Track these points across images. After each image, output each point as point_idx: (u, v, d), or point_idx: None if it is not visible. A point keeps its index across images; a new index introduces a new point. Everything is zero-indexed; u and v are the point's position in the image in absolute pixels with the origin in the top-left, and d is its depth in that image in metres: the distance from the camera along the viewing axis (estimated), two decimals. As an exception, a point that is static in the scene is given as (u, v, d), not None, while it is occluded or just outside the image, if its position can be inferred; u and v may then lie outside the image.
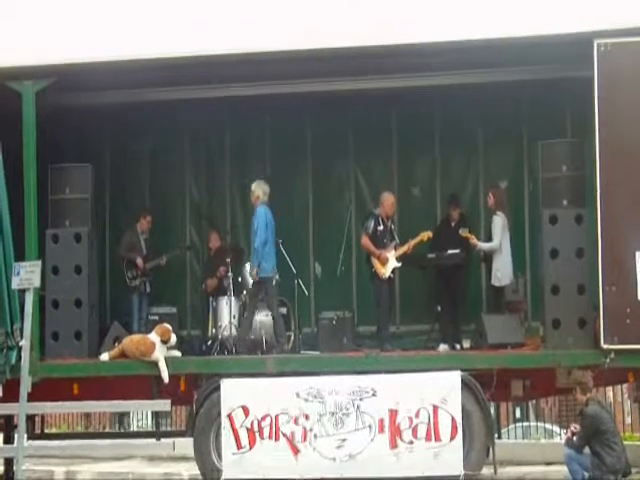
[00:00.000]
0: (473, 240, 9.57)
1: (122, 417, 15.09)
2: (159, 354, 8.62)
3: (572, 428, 7.96)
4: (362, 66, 8.94)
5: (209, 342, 9.78)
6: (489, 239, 9.63)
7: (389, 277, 9.55)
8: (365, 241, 9.73)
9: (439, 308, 9.83)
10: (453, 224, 10.04)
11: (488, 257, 9.64)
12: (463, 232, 9.60)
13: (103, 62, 8.87)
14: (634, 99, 8.29)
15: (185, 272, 11.05)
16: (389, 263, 9.55)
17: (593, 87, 8.33)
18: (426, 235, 9.59)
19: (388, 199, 9.75)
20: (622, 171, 8.27)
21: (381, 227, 9.65)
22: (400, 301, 9.96)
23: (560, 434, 12.11)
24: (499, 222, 9.55)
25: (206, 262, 10.70)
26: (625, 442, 8.47)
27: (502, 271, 9.45)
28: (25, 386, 7.94)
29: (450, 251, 9.69)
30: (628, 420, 12.68)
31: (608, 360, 8.12)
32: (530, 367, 8.53)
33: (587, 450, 7.69)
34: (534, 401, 13.36)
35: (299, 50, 8.71)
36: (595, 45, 8.32)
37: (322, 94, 9.41)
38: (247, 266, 9.82)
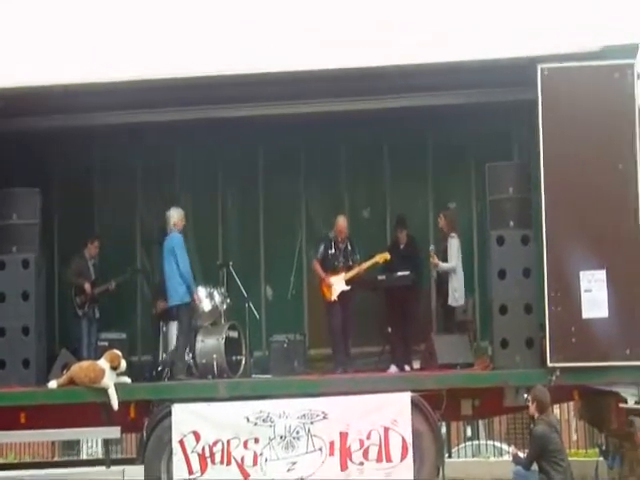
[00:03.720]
0: (435, 261, 9.71)
1: (72, 445, 14.90)
2: (109, 381, 8.59)
3: (513, 450, 8.11)
4: (310, 90, 9.06)
5: (160, 368, 9.76)
6: (443, 260, 9.74)
7: (340, 300, 9.61)
8: (315, 265, 9.90)
9: (389, 329, 9.90)
10: (402, 246, 10.12)
11: (443, 278, 9.76)
12: (430, 251, 9.74)
13: (52, 86, 8.89)
14: (576, 122, 8.48)
15: (135, 296, 10.99)
16: (335, 286, 9.64)
17: (537, 110, 8.51)
18: (382, 257, 9.67)
19: (338, 222, 9.85)
20: (565, 192, 8.44)
21: (332, 250, 9.76)
22: (353, 323, 9.90)
23: (509, 452, 12.28)
24: (455, 244, 9.72)
25: (158, 284, 10.65)
26: (571, 458, 8.64)
27: (459, 291, 9.61)
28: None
29: (400, 273, 9.78)
30: (574, 437, 12.90)
31: (554, 378, 8.24)
32: (479, 386, 8.65)
33: (535, 467, 7.82)
34: (485, 419, 13.51)
35: (247, 74, 8.85)
36: (539, 69, 8.51)
37: (272, 117, 9.52)
38: (199, 290, 9.79)
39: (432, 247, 9.80)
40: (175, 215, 9.57)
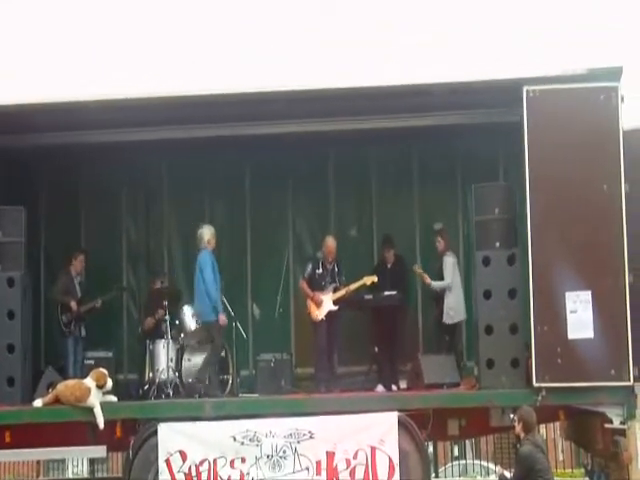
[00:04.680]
0: (426, 279, 9.75)
1: (57, 464, 14.78)
2: (94, 399, 8.55)
3: (499, 470, 8.12)
4: (298, 109, 9.10)
5: (146, 386, 9.73)
6: (439, 278, 9.75)
7: (327, 320, 9.65)
8: (301, 284, 10.00)
9: (376, 349, 9.91)
10: (389, 265, 10.17)
11: (439, 295, 9.79)
12: (417, 268, 9.80)
13: (37, 104, 8.90)
14: (561, 143, 8.54)
15: (121, 314, 10.99)
16: (323, 305, 9.69)
17: (523, 131, 8.57)
18: (370, 279, 9.70)
19: (328, 243, 9.91)
20: (551, 213, 8.49)
21: (320, 270, 9.84)
22: (338, 343, 9.96)
23: (496, 472, 12.28)
24: (450, 261, 9.78)
25: (145, 302, 10.68)
26: (557, 478, 8.67)
27: (455, 309, 9.64)
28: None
29: (387, 292, 9.83)
30: (560, 457, 12.92)
31: (540, 398, 8.27)
32: (465, 406, 8.68)
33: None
34: (472, 439, 13.52)
35: (233, 94, 8.90)
36: (524, 91, 8.56)
37: (259, 136, 9.57)
38: (185, 309, 9.84)
39: (417, 265, 9.84)
40: (207, 233, 9.62)
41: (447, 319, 9.63)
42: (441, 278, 9.75)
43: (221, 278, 9.62)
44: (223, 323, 9.42)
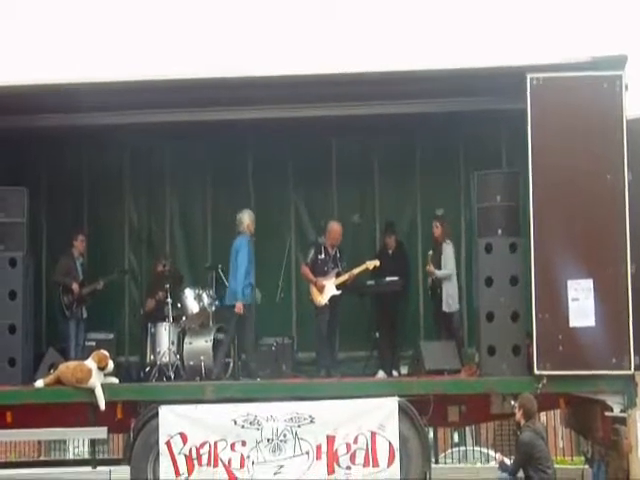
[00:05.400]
0: (430, 268, 9.75)
1: (58, 445, 14.82)
2: (96, 381, 8.55)
3: (499, 457, 8.15)
4: (299, 94, 9.05)
5: (147, 369, 9.75)
6: (438, 266, 9.74)
7: (329, 305, 9.65)
8: (303, 270, 9.97)
9: (377, 335, 9.90)
10: (390, 252, 10.16)
11: (437, 284, 9.77)
12: (428, 256, 9.78)
13: (37, 85, 8.84)
14: (565, 131, 8.50)
15: (123, 297, 10.97)
16: (326, 290, 9.68)
17: (526, 119, 8.53)
18: (372, 264, 9.67)
19: (333, 228, 9.87)
20: (554, 201, 8.44)
21: (322, 256, 9.82)
22: (340, 328, 10.02)
23: (495, 458, 12.32)
24: (451, 250, 9.78)
25: (147, 285, 10.70)
26: (557, 465, 8.66)
27: (453, 297, 9.64)
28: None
29: (388, 278, 9.80)
30: (560, 444, 12.94)
31: (541, 386, 8.25)
32: (465, 393, 8.67)
33: (521, 474, 7.85)
34: (472, 426, 13.53)
35: (237, 78, 8.85)
36: (528, 79, 8.50)
37: (262, 121, 9.53)
38: (187, 292, 9.85)
39: (430, 253, 9.83)
40: (246, 218, 9.71)
41: (446, 307, 9.62)
42: (439, 266, 9.73)
43: (255, 265, 9.71)
44: (238, 311, 9.42)
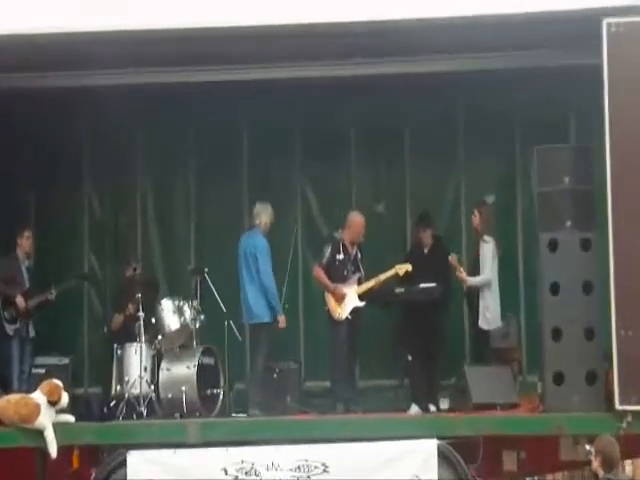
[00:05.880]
0: (462, 275, 9.67)
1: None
2: (45, 419, 8.44)
3: None
4: (309, 48, 8.94)
5: (112, 403, 9.65)
6: (474, 270, 9.68)
7: (350, 319, 9.62)
8: (317, 272, 9.89)
9: (409, 357, 9.83)
10: (426, 250, 10.12)
11: (473, 293, 9.70)
12: (453, 258, 9.69)
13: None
14: (651, 92, 8.51)
15: (81, 310, 11.02)
16: (347, 301, 9.63)
17: (601, 78, 8.41)
18: (403, 268, 9.70)
19: (355, 221, 9.85)
20: (639, 183, 8.37)
21: (341, 256, 9.79)
22: (361, 349, 9.94)
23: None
24: (489, 249, 9.65)
25: (113, 294, 10.76)
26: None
27: (492, 311, 9.54)
28: None
29: (423, 284, 9.71)
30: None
31: (624, 425, 8.14)
32: (526, 434, 8.58)
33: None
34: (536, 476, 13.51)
35: (228, 27, 8.65)
36: (604, 25, 8.40)
37: (260, 83, 9.46)
38: (164, 303, 9.82)
39: (454, 255, 9.79)
40: (264, 213, 9.92)
41: (483, 323, 9.59)
42: (475, 268, 9.67)
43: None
44: (283, 325, 9.71)
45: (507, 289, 9.83)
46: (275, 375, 9.82)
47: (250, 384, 9.70)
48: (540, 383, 8.87)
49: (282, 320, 9.67)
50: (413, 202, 10.89)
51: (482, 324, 9.56)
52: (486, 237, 9.68)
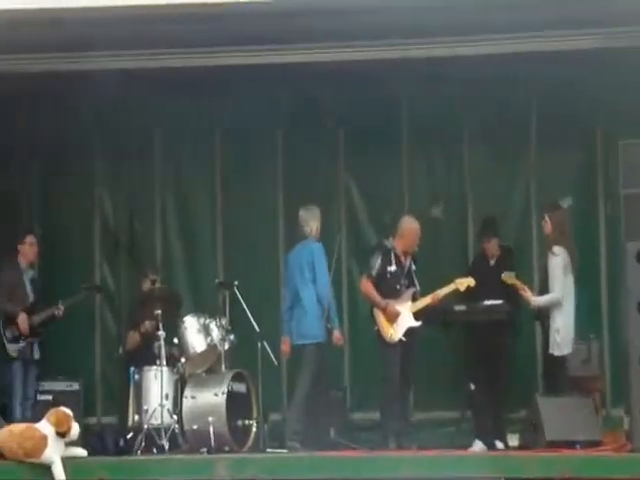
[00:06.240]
0: (525, 293, 9.66)
1: None
2: (53, 453, 8.44)
3: None
4: (344, 27, 9.07)
5: (129, 435, 9.71)
6: (545, 287, 9.65)
7: (404, 341, 9.64)
8: (366, 286, 9.89)
9: (472, 386, 9.91)
10: (492, 262, 10.18)
11: (543, 313, 9.69)
12: (507, 277, 9.68)
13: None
14: None
15: (93, 328, 11.12)
16: (400, 320, 9.66)
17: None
18: (465, 283, 9.76)
19: (409, 227, 9.90)
20: None
21: (393, 267, 9.83)
22: (415, 375, 9.92)
23: None
24: (559, 262, 9.59)
25: (129, 310, 10.79)
26: None
27: (563, 334, 9.52)
28: None
29: (488, 302, 9.80)
30: None
31: None
32: (611, 477, 8.37)
33: None
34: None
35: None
36: None
37: (299, 66, 9.61)
38: (187, 321, 9.87)
39: (507, 273, 9.75)
40: (312, 219, 10.11)
41: (554, 349, 9.55)
42: (545, 284, 9.63)
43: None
44: (339, 342, 9.95)
45: (587, 308, 9.82)
46: (316, 405, 9.80)
47: (289, 414, 9.81)
48: (627, 417, 8.87)
49: (338, 336, 9.85)
50: (475, 206, 10.93)
51: (553, 349, 9.51)
52: (555, 249, 9.58)
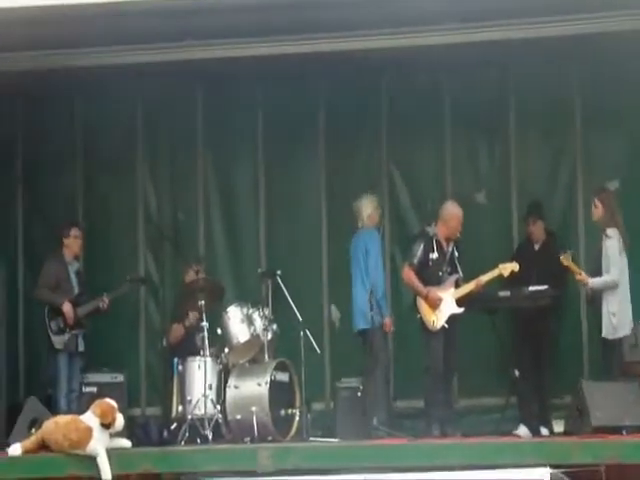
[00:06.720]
0: (581, 276, 9.57)
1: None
2: (98, 445, 8.51)
3: None
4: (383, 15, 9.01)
5: (173, 425, 9.81)
6: (596, 270, 9.57)
7: (447, 328, 9.61)
8: (408, 274, 9.87)
9: (517, 373, 9.87)
10: (536, 246, 10.16)
11: (597, 297, 9.60)
12: (565, 258, 9.58)
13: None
14: None
15: (137, 320, 11.19)
16: (443, 307, 9.64)
17: None
18: (509, 268, 9.72)
19: (452, 213, 9.88)
20: None
21: (435, 255, 9.81)
22: (458, 362, 9.85)
23: None
24: (615, 245, 9.53)
25: (173, 302, 10.85)
26: None
27: (620, 317, 9.42)
28: None
29: (533, 287, 9.74)
30: None
31: None
32: (659, 463, 8.54)
33: None
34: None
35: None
36: None
37: (343, 53, 9.60)
38: (231, 311, 9.92)
39: (568, 252, 9.67)
40: (368, 206, 10.30)
41: (607, 332, 9.46)
42: (597, 268, 9.55)
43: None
44: (389, 329, 10.12)
45: (636, 291, 9.61)
46: (359, 393, 9.75)
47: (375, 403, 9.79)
48: (675, 402, 8.79)
49: (388, 323, 9.99)
50: (520, 190, 10.86)
51: (607, 333, 9.41)
52: (609, 231, 9.52)
